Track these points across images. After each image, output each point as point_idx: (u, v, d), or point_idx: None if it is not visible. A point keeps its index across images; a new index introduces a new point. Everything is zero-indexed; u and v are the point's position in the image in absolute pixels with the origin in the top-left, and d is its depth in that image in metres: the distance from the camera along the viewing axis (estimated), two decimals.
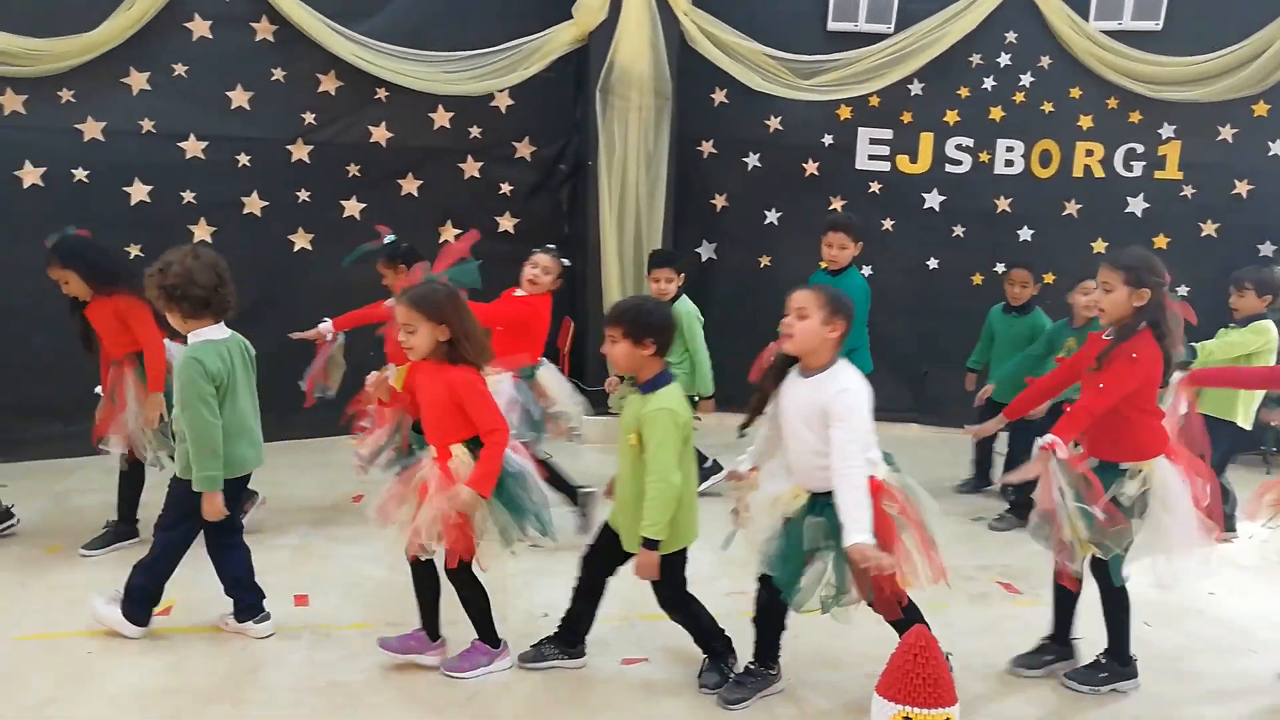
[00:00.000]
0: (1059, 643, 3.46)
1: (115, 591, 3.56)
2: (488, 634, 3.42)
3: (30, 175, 5.55)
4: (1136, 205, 6.91)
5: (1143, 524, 3.09)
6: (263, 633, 3.57)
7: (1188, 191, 6.84)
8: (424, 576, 3.41)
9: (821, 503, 2.98)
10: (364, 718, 3.09)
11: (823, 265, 5.19)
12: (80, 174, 5.64)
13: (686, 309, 5.22)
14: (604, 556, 3.37)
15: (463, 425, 3.22)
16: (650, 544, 3.08)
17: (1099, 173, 6.90)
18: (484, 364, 3.28)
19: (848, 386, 2.94)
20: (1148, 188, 6.88)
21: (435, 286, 3.29)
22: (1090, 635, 3.45)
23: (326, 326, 4.75)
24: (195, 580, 3.68)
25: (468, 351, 3.20)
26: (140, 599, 3.51)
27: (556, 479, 4.67)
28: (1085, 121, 6.83)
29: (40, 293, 5.33)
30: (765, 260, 7.05)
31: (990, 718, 3.20)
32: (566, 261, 4.95)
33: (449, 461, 3.19)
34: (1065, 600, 3.40)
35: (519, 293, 4.74)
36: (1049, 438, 3.06)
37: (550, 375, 4.77)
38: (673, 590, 3.28)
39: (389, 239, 4.89)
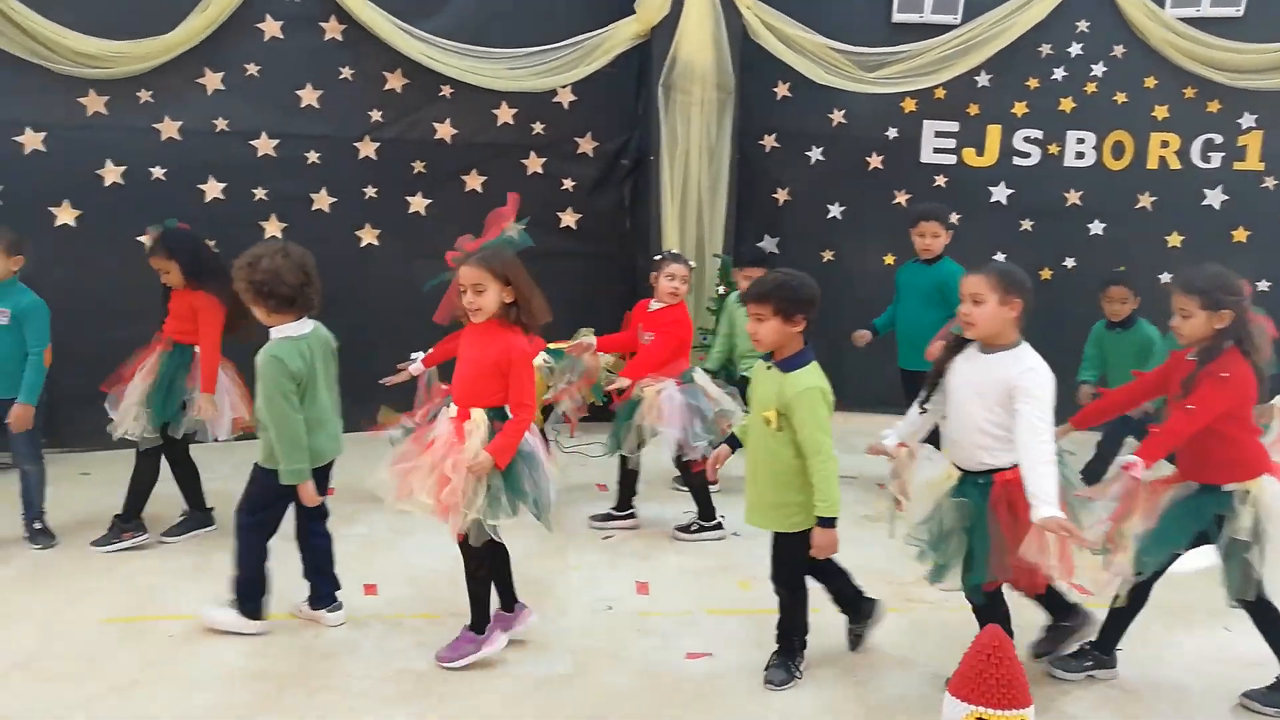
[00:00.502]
0: (1102, 651, 3.37)
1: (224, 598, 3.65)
2: (480, 620, 3.41)
3: (111, 174, 5.73)
4: (1214, 198, 6.71)
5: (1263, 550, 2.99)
6: (335, 621, 3.66)
7: (1270, 183, 6.63)
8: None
9: (970, 481, 3.02)
10: (433, 705, 3.14)
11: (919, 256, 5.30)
12: (158, 172, 5.81)
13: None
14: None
15: (494, 392, 3.25)
16: (827, 522, 3.08)
17: (1175, 164, 6.72)
18: (537, 329, 3.31)
19: (1034, 366, 2.96)
20: (1227, 179, 6.68)
21: (502, 248, 3.30)
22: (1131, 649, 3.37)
23: (417, 367, 4.57)
24: (271, 567, 3.75)
25: (528, 315, 3.25)
26: (246, 593, 3.57)
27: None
28: (1160, 112, 6.65)
29: (122, 286, 5.52)
30: (828, 255, 6.99)
31: (1061, 718, 3.15)
32: (693, 264, 5.01)
33: (465, 423, 3.23)
34: (1123, 613, 3.32)
35: (655, 305, 4.77)
36: (1130, 458, 3.01)
37: (704, 378, 4.82)
38: (796, 568, 3.28)
39: None
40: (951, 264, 5.18)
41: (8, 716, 2.83)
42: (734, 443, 3.42)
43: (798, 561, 3.24)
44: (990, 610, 3.07)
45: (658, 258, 4.90)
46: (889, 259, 6.85)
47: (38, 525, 4.42)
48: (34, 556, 4.29)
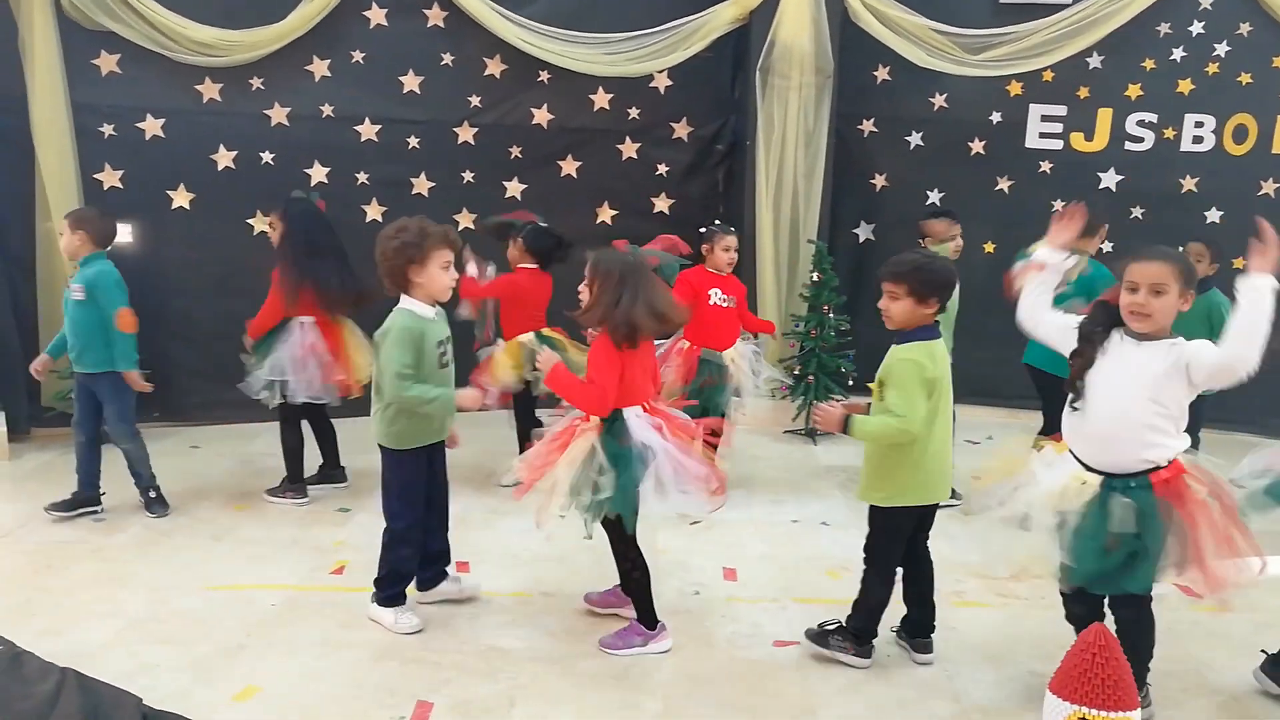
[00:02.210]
0: None
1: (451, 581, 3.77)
2: (646, 614, 3.45)
3: (224, 158, 5.95)
4: None
5: None
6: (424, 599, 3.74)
7: None
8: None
9: (1119, 485, 2.79)
10: (521, 683, 3.19)
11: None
12: (267, 156, 6.01)
13: None
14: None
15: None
16: (846, 428, 3.09)
17: None
18: (628, 341, 3.23)
19: (1192, 341, 2.77)
20: None
21: (618, 255, 3.36)
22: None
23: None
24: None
25: (602, 318, 3.26)
26: (389, 582, 3.59)
27: None
28: None
29: (232, 264, 5.74)
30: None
31: None
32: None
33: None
34: None
35: (714, 272, 5.02)
36: None
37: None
38: (886, 544, 3.25)
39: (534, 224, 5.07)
40: (1100, 266, 5.02)
41: (120, 674, 2.97)
42: None
43: (891, 537, 3.23)
44: (1142, 620, 2.94)
45: (707, 230, 5.04)
46: (989, 247, 6.66)
47: (152, 494, 4.62)
48: (146, 524, 4.50)
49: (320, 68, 6.05)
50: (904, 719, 3.05)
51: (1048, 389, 5.15)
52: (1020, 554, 4.12)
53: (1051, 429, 5.31)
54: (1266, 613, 3.72)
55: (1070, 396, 2.92)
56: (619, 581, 3.53)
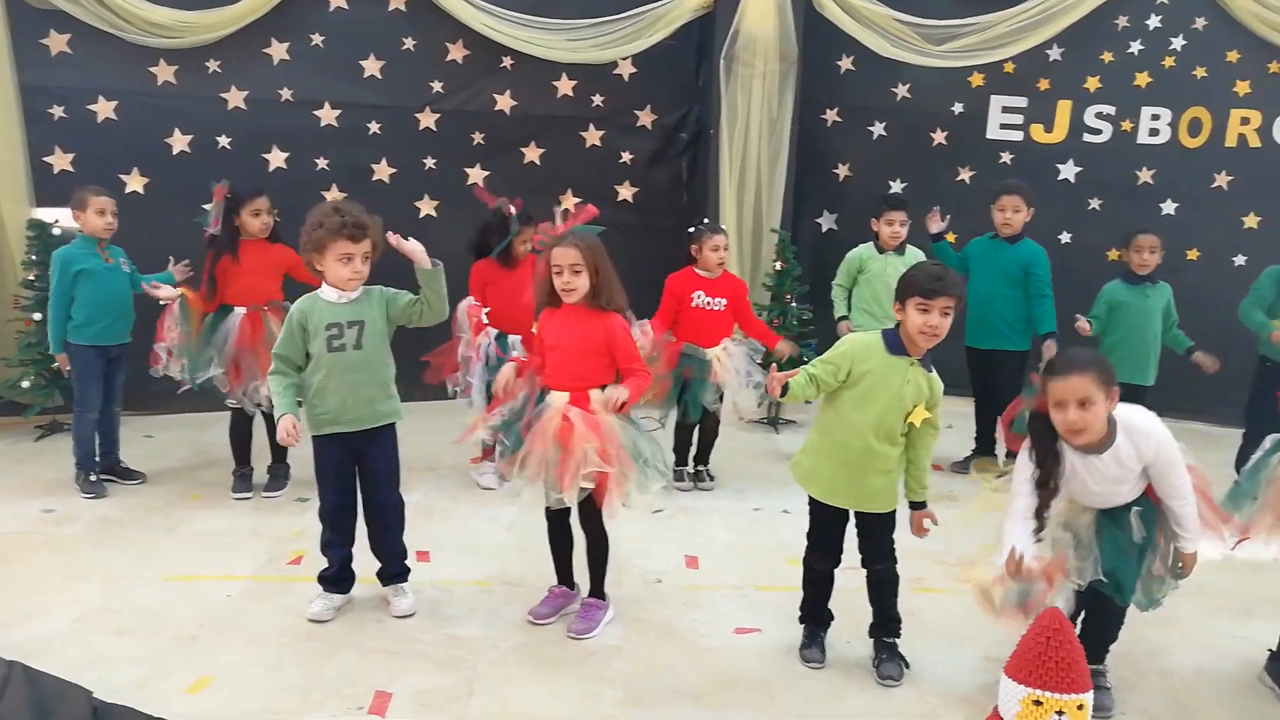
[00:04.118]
0: None
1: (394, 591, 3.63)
2: (601, 587, 3.53)
3: (179, 142, 5.84)
4: None
5: None
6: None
7: None
8: (561, 529, 3.53)
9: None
10: (480, 673, 3.17)
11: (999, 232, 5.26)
12: (224, 141, 5.91)
13: (918, 253, 5.41)
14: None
15: (602, 372, 3.33)
16: (922, 505, 3.17)
17: (1255, 142, 6.47)
18: (621, 309, 3.36)
19: (1151, 430, 2.79)
20: None
21: (593, 234, 3.35)
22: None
23: None
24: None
25: (613, 300, 3.32)
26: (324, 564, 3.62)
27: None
28: (1242, 87, 6.41)
29: (189, 253, 5.63)
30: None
31: (1137, 713, 3.07)
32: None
33: (589, 405, 3.27)
34: None
35: (704, 274, 4.97)
36: None
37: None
38: (892, 544, 3.26)
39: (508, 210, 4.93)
40: (1034, 245, 5.11)
41: (74, 666, 2.92)
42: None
43: (892, 530, 3.24)
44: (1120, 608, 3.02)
45: (695, 229, 4.99)
46: (951, 237, 6.68)
47: (92, 477, 4.66)
48: (99, 515, 4.42)
49: (279, 51, 5.95)
50: (863, 704, 3.07)
51: (987, 369, 5.25)
52: (979, 542, 4.18)
53: (985, 416, 5.38)
54: (1217, 597, 3.79)
55: (1036, 511, 2.85)
56: (556, 579, 3.59)
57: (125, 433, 4.99)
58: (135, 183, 5.81)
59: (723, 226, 5.12)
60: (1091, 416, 2.70)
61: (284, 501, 4.66)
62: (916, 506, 3.18)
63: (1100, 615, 3.04)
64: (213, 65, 5.83)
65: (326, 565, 3.56)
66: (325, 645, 3.30)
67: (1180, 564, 2.91)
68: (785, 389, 3.06)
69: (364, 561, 3.62)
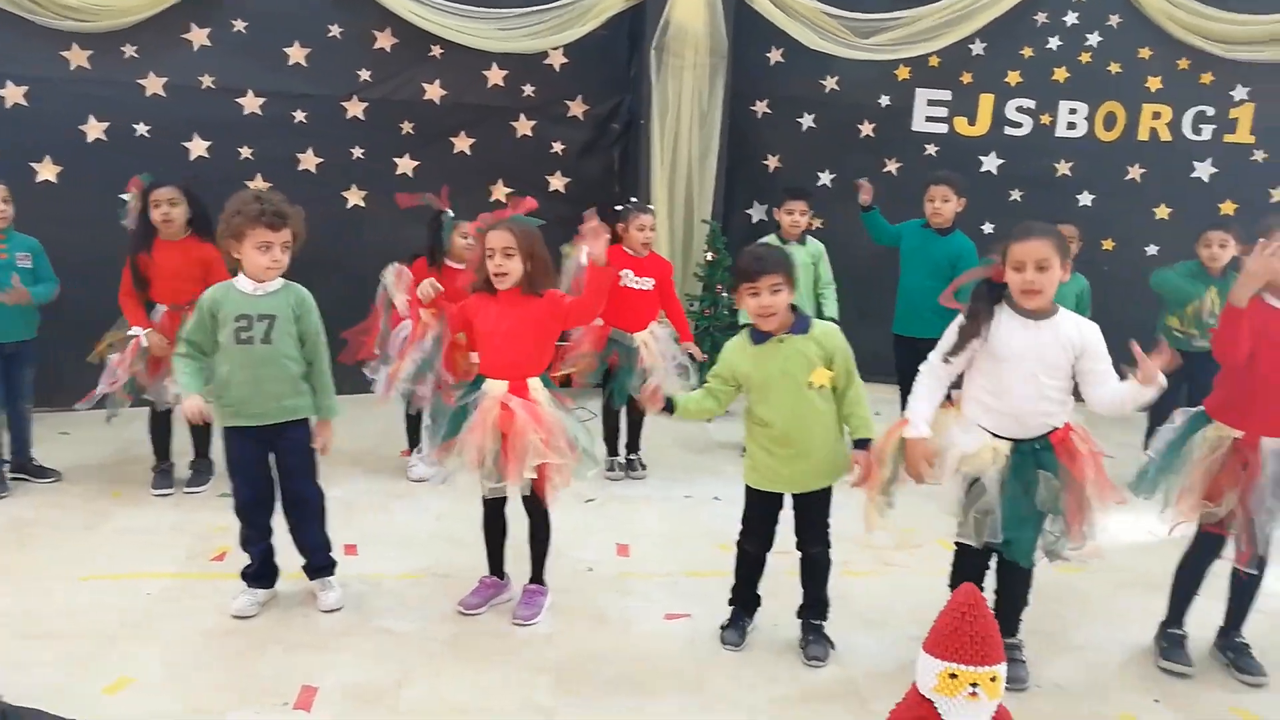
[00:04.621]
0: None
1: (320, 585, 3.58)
2: (542, 572, 3.57)
3: (94, 129, 5.67)
4: (1204, 170, 6.71)
5: None
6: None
7: (1259, 156, 6.63)
8: (496, 517, 3.53)
9: (1027, 448, 2.95)
10: (413, 665, 3.15)
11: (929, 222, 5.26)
12: (142, 129, 5.75)
13: (818, 247, 5.51)
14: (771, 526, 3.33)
15: (542, 358, 3.34)
16: (867, 442, 3.12)
17: (1165, 136, 6.71)
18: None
19: (1089, 322, 2.95)
20: (1216, 152, 6.68)
21: (528, 220, 3.36)
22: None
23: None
24: None
25: (545, 285, 3.33)
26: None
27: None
28: (1154, 83, 6.64)
29: (105, 244, 5.45)
30: (817, 223, 6.95)
31: (1051, 685, 3.18)
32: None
33: (528, 393, 3.27)
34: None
35: (630, 252, 4.97)
36: None
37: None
38: (827, 527, 3.29)
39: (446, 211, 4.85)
40: (965, 239, 5.18)
41: None
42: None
43: (828, 512, 3.27)
44: (1028, 574, 3.12)
45: (622, 208, 4.99)
46: None
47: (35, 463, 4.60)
48: (13, 515, 4.28)
49: (199, 36, 5.81)
50: (792, 685, 3.13)
51: (914, 356, 5.35)
52: (903, 524, 4.28)
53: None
54: (1127, 573, 3.94)
55: (953, 348, 3.01)
56: (488, 569, 3.60)
57: (40, 430, 4.84)
58: (47, 171, 5.62)
59: (650, 207, 5.12)
60: (1046, 279, 2.84)
61: (207, 497, 4.56)
62: (862, 445, 3.15)
63: (1008, 584, 3.14)
64: (129, 50, 5.67)
65: (248, 561, 3.50)
66: (250, 641, 3.25)
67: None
68: (670, 405, 3.17)
69: (292, 556, 3.57)
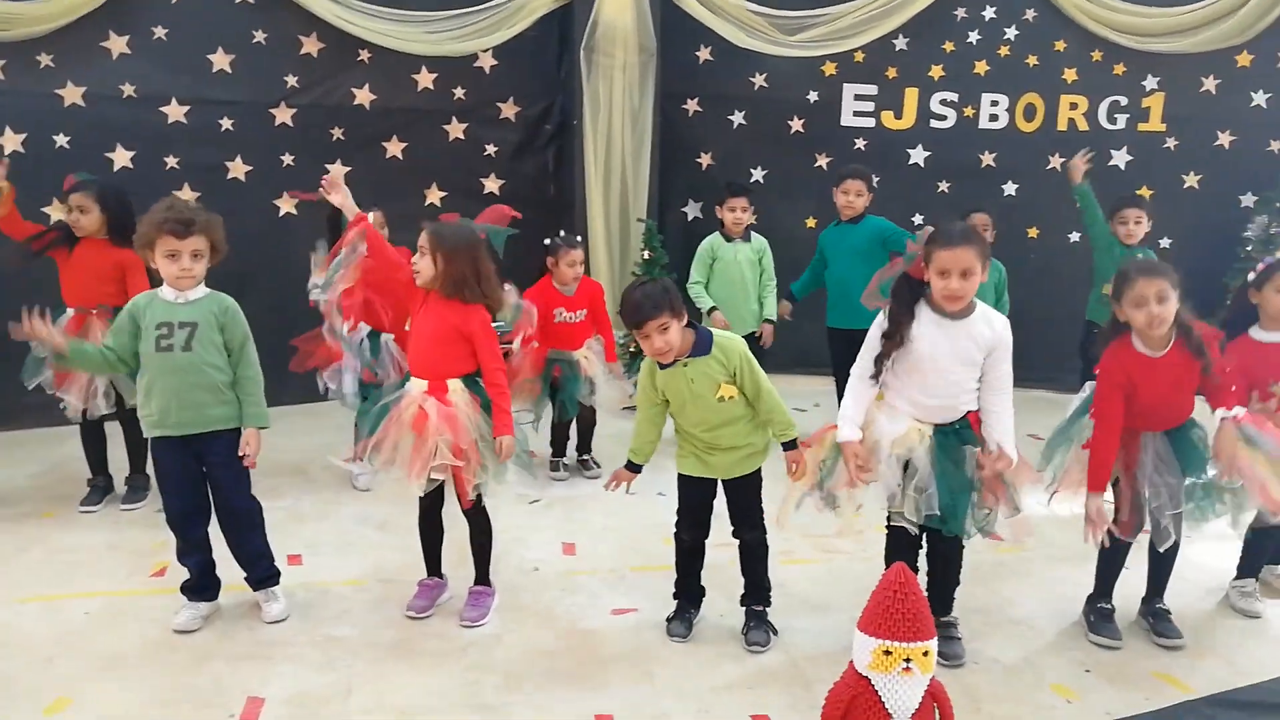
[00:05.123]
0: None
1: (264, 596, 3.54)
2: (486, 573, 3.59)
3: (10, 141, 5.51)
4: (1120, 158, 6.94)
5: None
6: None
7: (1171, 144, 6.88)
8: (431, 518, 3.54)
9: (949, 430, 3.07)
10: (360, 671, 3.15)
11: (844, 217, 5.34)
12: (61, 140, 5.61)
13: (762, 242, 5.54)
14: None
15: (463, 360, 3.33)
16: (793, 443, 3.23)
17: (1083, 126, 6.92)
18: (496, 311, 3.39)
19: (1003, 321, 3.05)
20: (1131, 140, 6.91)
21: (460, 226, 3.37)
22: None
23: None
24: None
25: (477, 295, 3.31)
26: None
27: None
28: (1069, 74, 6.84)
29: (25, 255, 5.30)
30: (751, 219, 7.04)
31: (989, 661, 3.28)
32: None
33: (446, 394, 3.28)
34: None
35: (562, 287, 4.97)
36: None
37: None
38: (759, 504, 3.35)
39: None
40: (877, 218, 5.29)
41: None
42: None
43: (759, 497, 3.35)
44: (959, 549, 3.25)
45: (551, 242, 4.96)
46: (811, 222, 6.95)
47: None
48: None
49: (118, 44, 5.69)
50: (738, 672, 3.18)
51: (849, 348, 5.46)
52: (843, 512, 4.37)
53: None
54: (1060, 548, 4.07)
55: (877, 359, 3.09)
56: (426, 571, 3.62)
57: None
58: None
59: (578, 239, 5.11)
60: (970, 286, 2.94)
61: (145, 513, 4.48)
62: (788, 447, 3.26)
63: (939, 560, 3.26)
64: (45, 59, 5.52)
65: (187, 575, 3.46)
66: (192, 656, 3.21)
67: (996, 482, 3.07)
68: (634, 466, 3.35)
69: (235, 568, 3.53)
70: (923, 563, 3.29)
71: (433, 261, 3.28)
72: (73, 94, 5.62)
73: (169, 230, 3.19)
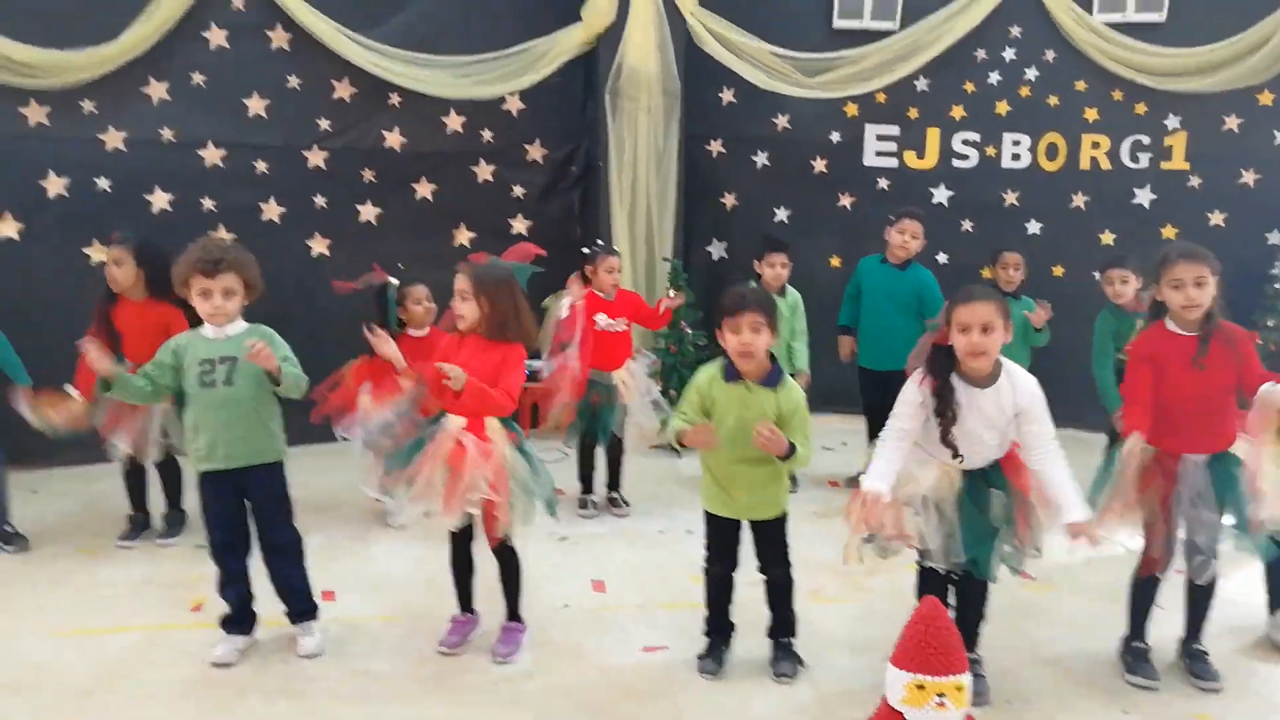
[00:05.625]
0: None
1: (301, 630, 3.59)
2: (517, 609, 3.61)
3: (55, 185, 5.67)
4: (1144, 197, 6.96)
5: None
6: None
7: (1195, 182, 6.89)
8: (462, 553, 3.57)
9: (978, 473, 3.09)
10: (392, 705, 3.17)
11: (893, 257, 5.36)
12: (103, 183, 5.77)
13: (796, 297, 5.55)
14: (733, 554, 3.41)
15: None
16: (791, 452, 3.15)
17: (1105, 165, 6.96)
18: (531, 347, 3.44)
19: (1031, 386, 3.05)
20: (1154, 179, 6.93)
21: (497, 265, 3.44)
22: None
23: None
24: None
25: (518, 333, 3.38)
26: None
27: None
28: (1091, 114, 6.89)
29: (68, 299, 5.43)
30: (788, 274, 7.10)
31: (1019, 699, 3.26)
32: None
33: (484, 432, 3.32)
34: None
35: (598, 294, 5.04)
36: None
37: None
38: (785, 550, 3.37)
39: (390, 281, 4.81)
40: (925, 271, 5.33)
41: None
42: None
43: (784, 534, 3.37)
44: (984, 587, 3.23)
45: (590, 251, 5.07)
46: (835, 261, 7.01)
47: (8, 528, 4.48)
48: None
49: (158, 90, 5.86)
50: (768, 709, 3.18)
51: (880, 389, 5.47)
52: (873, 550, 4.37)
53: (876, 428, 5.61)
54: (1093, 589, 4.04)
55: (940, 445, 3.07)
56: (459, 609, 3.64)
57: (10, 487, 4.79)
58: (8, 228, 5.60)
59: (615, 248, 5.22)
60: (991, 341, 2.94)
61: (182, 548, 4.54)
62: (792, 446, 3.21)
63: (968, 599, 3.26)
64: (88, 105, 5.70)
65: (226, 608, 3.51)
66: (229, 691, 3.25)
67: (1039, 545, 3.09)
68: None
69: (271, 603, 3.57)
70: (952, 598, 3.29)
71: (477, 305, 3.34)
72: (114, 138, 5.78)
73: (200, 269, 3.29)
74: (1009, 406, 3.03)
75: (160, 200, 5.92)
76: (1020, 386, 3.05)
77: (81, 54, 5.56)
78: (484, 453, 3.28)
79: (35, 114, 5.59)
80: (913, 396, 3.09)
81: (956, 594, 3.27)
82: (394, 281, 4.73)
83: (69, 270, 5.63)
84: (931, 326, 3.14)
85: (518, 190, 6.78)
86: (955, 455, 3.06)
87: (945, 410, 3.02)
